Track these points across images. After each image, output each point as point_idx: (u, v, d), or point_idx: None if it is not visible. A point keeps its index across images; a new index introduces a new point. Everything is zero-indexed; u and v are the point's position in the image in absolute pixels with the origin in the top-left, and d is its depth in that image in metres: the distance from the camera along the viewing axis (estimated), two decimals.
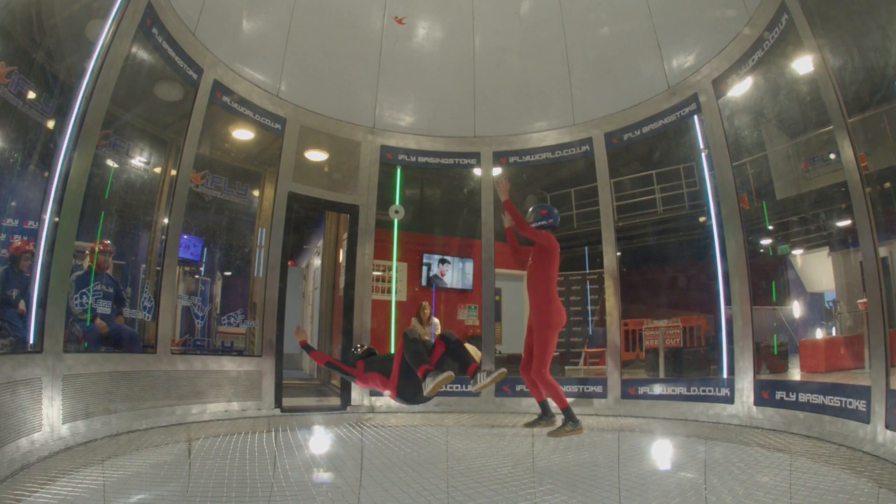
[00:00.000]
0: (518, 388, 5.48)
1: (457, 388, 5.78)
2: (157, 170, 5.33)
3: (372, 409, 5.57)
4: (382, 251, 6.37)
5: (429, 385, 3.57)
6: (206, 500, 2.37)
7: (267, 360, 5.23)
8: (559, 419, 4.27)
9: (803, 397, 4.08)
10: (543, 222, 4.56)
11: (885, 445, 3.23)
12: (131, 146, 4.94)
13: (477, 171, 6.39)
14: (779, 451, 3.45)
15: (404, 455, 3.54)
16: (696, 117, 5.24)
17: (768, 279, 5.86)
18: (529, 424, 4.44)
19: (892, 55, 3.86)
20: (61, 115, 3.74)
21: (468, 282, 8.48)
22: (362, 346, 4.55)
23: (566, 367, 8.00)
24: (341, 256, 7.15)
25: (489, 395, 5.76)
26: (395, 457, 3.48)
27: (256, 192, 6.27)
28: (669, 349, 6.20)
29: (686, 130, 5.54)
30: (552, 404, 4.44)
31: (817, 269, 7.13)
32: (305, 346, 4.60)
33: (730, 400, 4.65)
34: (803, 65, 4.27)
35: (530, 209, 4.67)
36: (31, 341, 3.44)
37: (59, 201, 3.59)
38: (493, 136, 6.31)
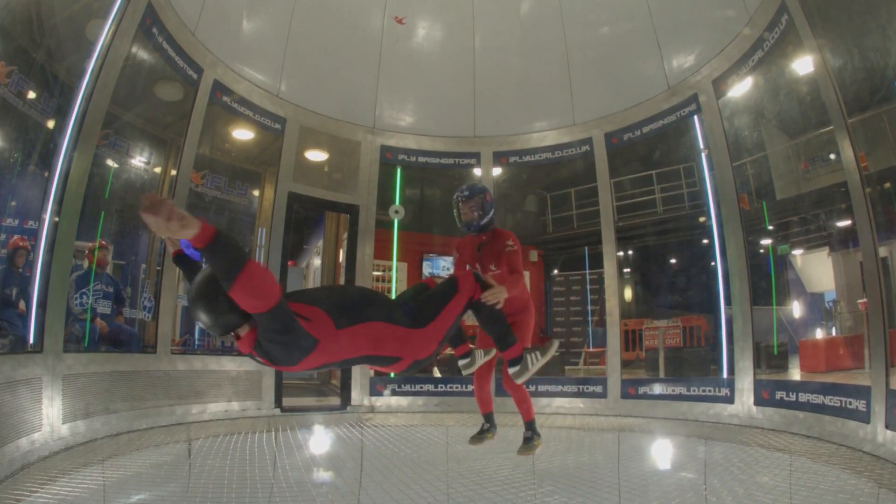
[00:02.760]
0: None
1: (457, 388, 5.77)
2: (157, 170, 5.33)
3: (372, 409, 5.56)
4: (382, 251, 6.36)
5: (529, 369, 2.26)
6: (206, 500, 2.37)
7: None
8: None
9: (803, 397, 4.08)
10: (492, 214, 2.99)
11: (885, 445, 3.23)
12: (131, 146, 4.94)
13: (477, 171, 6.38)
14: (779, 451, 3.45)
15: (404, 455, 3.54)
16: (696, 117, 5.24)
17: (768, 279, 5.86)
18: (476, 439, 3.12)
19: (892, 55, 3.86)
20: (61, 115, 3.74)
21: None
22: None
23: (566, 368, 8.00)
24: (341, 256, 7.14)
25: None
26: (395, 457, 3.48)
27: (256, 192, 6.27)
28: (669, 349, 6.20)
29: (686, 130, 5.54)
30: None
31: (817, 269, 7.14)
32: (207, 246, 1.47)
33: (730, 400, 4.65)
34: (803, 65, 4.27)
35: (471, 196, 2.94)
36: (31, 341, 3.45)
37: (59, 201, 3.60)
38: (493, 136, 6.31)
